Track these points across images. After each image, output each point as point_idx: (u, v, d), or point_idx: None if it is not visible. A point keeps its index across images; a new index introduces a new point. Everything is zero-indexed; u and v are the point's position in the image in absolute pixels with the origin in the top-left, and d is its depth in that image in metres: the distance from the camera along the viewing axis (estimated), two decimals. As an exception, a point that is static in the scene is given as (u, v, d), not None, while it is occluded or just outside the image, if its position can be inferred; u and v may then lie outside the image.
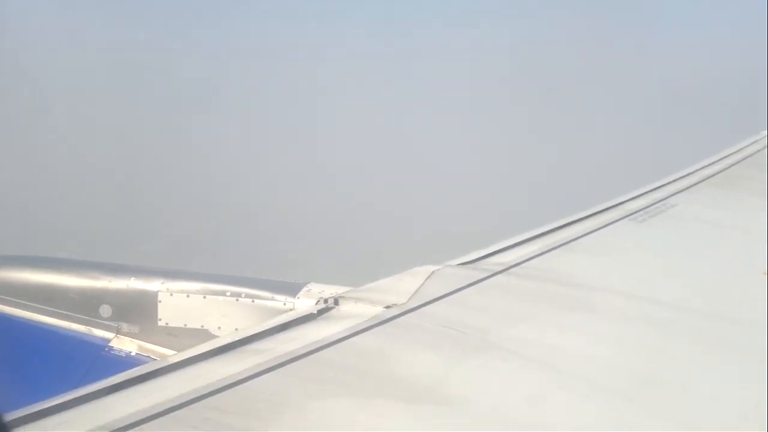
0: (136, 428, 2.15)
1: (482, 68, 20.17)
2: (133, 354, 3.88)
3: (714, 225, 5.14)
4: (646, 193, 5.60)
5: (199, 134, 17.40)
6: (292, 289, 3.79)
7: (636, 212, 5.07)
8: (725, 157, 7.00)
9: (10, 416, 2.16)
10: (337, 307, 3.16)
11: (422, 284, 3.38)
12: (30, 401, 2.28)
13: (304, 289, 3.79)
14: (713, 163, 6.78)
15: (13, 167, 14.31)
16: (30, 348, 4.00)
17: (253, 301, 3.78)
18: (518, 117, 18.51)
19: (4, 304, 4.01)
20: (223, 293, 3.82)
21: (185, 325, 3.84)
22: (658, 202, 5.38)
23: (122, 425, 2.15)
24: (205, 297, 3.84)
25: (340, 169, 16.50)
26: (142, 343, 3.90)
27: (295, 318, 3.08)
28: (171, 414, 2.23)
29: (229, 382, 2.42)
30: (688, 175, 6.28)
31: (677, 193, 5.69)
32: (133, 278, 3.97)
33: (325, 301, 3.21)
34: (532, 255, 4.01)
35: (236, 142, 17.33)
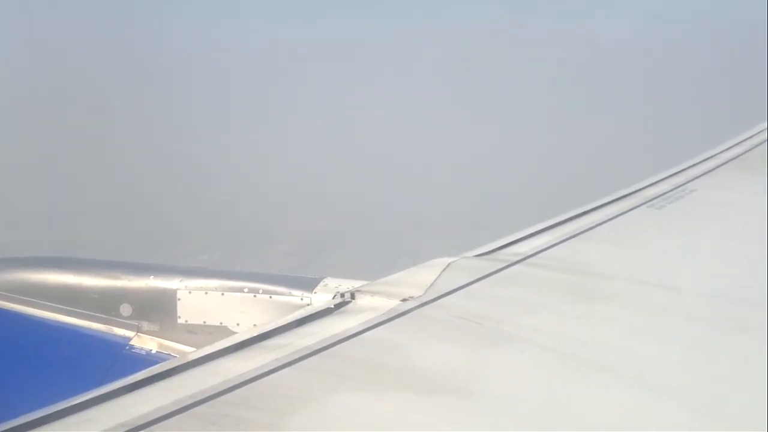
0: (157, 425, 2.17)
1: (495, 61, 20.01)
2: (153, 352, 3.91)
3: (735, 210, 5.07)
4: (664, 178, 5.53)
5: (209, 133, 17.47)
6: (309, 284, 3.80)
7: (654, 198, 5.01)
8: (745, 140, 6.90)
9: (33, 415, 2.20)
10: (353, 301, 3.16)
11: (438, 276, 3.38)
12: (53, 400, 2.31)
13: (321, 283, 3.80)
14: (733, 146, 6.68)
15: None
16: (52, 348, 4.06)
17: (270, 297, 3.80)
18: (534, 107, 18.38)
19: (26, 305, 4.07)
20: (240, 290, 3.84)
21: (204, 322, 3.87)
22: (677, 187, 5.31)
23: (143, 422, 2.17)
24: (223, 294, 3.87)
25: (355, 165, 16.51)
26: (162, 340, 3.93)
27: (312, 313, 3.09)
28: (190, 410, 2.25)
29: (248, 377, 2.44)
30: (707, 159, 6.19)
31: (696, 178, 5.61)
32: (152, 277, 4.00)
33: (342, 295, 3.21)
34: (549, 245, 3.98)
35: (248, 141, 17.37)
